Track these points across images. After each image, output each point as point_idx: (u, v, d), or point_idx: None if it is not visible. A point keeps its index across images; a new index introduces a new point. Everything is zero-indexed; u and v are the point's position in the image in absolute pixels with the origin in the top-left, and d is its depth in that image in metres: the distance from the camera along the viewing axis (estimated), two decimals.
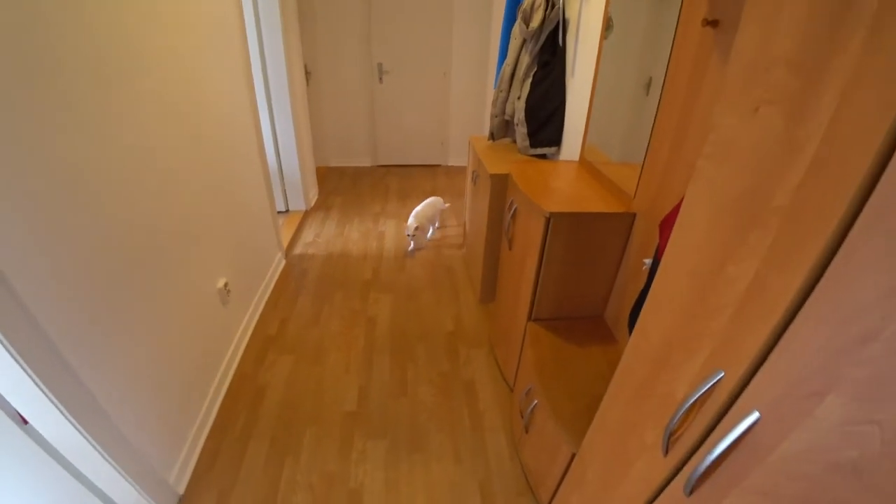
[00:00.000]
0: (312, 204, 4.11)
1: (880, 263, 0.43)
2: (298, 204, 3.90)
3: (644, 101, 1.54)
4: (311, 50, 4.36)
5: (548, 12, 2.32)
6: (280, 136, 3.53)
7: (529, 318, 1.74)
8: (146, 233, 1.47)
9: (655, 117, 1.44)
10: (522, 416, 1.64)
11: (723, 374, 0.61)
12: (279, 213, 3.78)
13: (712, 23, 1.20)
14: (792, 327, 0.51)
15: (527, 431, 1.64)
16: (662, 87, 1.41)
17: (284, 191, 3.80)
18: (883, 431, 0.42)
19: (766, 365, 0.55)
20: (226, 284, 2.10)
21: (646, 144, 1.49)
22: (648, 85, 1.53)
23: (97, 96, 1.25)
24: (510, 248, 1.93)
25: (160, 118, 1.56)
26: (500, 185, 2.24)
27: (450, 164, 5.30)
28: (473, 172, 2.73)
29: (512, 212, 1.84)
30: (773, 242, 0.55)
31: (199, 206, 1.85)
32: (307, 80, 4.21)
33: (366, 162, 5.20)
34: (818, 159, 0.50)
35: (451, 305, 2.76)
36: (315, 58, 4.48)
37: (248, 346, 2.36)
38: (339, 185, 4.62)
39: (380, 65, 4.67)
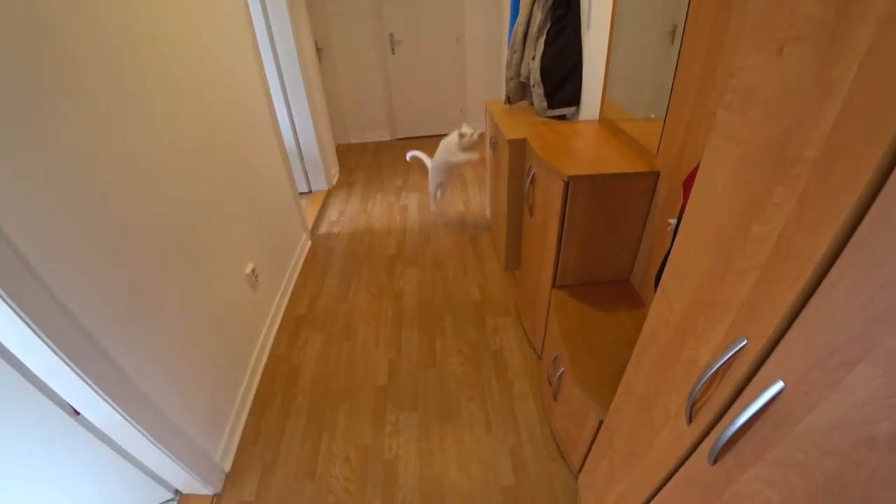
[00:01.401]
0: (334, 182, 4.12)
1: None
2: (320, 184, 3.91)
3: (668, 51, 1.44)
4: (321, 26, 4.29)
5: None
6: (296, 117, 3.51)
7: (554, 286, 1.71)
8: (173, 225, 1.50)
9: (676, 66, 1.35)
10: (550, 384, 1.62)
11: (745, 341, 0.58)
12: (302, 194, 3.80)
13: None
14: (820, 291, 0.47)
15: (556, 399, 1.63)
16: (683, 32, 1.31)
17: (305, 171, 3.80)
18: None
19: (792, 332, 0.51)
20: (253, 270, 2.13)
21: (668, 97, 1.40)
22: (673, 32, 1.43)
23: (115, 91, 1.26)
24: (531, 215, 1.88)
25: (173, 109, 1.56)
26: (519, 151, 2.17)
27: None
28: (491, 138, 2.66)
29: (531, 177, 1.78)
30: (801, 198, 0.50)
31: (220, 194, 1.87)
32: (319, 57, 4.15)
33: (385, 136, 5.16)
34: (852, 103, 0.45)
35: (476, 275, 2.75)
36: (326, 34, 4.41)
37: (280, 326, 2.42)
38: (361, 161, 4.61)
39: (391, 35, 4.56)
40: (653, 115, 1.53)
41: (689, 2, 1.27)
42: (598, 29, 2.04)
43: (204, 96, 1.79)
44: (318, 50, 4.17)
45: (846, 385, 0.43)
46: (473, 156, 2.89)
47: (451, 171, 3.14)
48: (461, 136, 2.84)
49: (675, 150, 1.38)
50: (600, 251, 1.63)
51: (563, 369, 1.48)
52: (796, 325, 0.50)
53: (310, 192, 3.91)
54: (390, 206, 3.65)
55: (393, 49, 4.64)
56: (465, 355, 2.17)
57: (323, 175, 3.86)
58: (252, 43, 2.37)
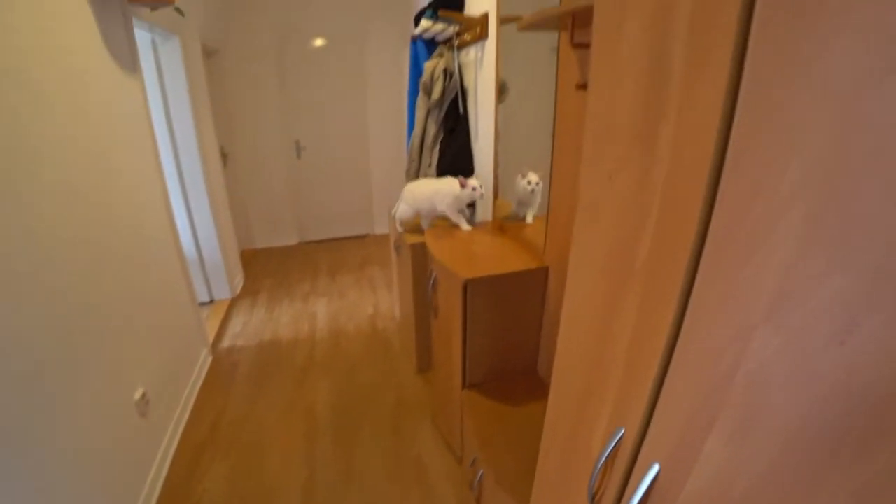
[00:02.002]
0: (238, 290, 3.95)
1: (724, 308, 0.46)
2: (223, 292, 3.73)
3: (548, 152, 1.63)
4: (226, 132, 4.34)
5: (447, 83, 2.48)
6: (198, 223, 3.41)
7: (464, 386, 1.73)
8: (48, 338, 1.34)
9: (551, 173, 1.54)
10: (472, 488, 1.58)
11: (623, 430, 0.63)
12: (202, 304, 3.59)
13: (583, 86, 1.32)
14: (668, 379, 0.54)
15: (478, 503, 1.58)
16: (553, 144, 1.52)
17: (207, 280, 3.63)
18: (757, 465, 0.44)
19: (656, 417, 0.57)
20: (143, 395, 1.93)
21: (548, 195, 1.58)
22: (552, 135, 1.63)
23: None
24: (436, 317, 1.94)
25: (60, 213, 1.46)
26: (421, 254, 2.27)
27: (377, 232, 5.33)
28: (395, 242, 2.76)
29: (432, 281, 1.86)
30: (642, 299, 0.59)
31: (108, 306, 1.72)
32: (224, 162, 4.16)
33: (293, 240, 5.12)
34: (661, 221, 0.55)
35: (391, 379, 2.69)
36: (231, 140, 4.46)
37: (176, 456, 2.16)
38: (267, 267, 4.50)
39: (297, 141, 4.73)
40: (538, 212, 1.70)
41: (554, 121, 1.49)
42: (485, 139, 2.29)
43: (97, 201, 1.70)
44: (224, 155, 4.19)
45: (704, 456, 0.49)
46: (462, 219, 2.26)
47: (430, 215, 2.38)
48: (473, 189, 2.11)
49: (559, 245, 1.53)
50: (505, 347, 1.70)
51: (482, 472, 1.46)
52: (657, 410, 0.57)
53: (211, 301, 3.70)
54: (298, 313, 3.54)
55: (299, 154, 4.78)
56: (385, 467, 2.06)
57: (226, 283, 3.70)
58: (153, 151, 2.34)
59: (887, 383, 0.34)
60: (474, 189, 2.10)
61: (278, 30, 4.36)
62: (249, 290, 3.97)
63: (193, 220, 3.39)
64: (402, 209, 2.43)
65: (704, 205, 0.48)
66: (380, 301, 3.68)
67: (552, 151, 1.54)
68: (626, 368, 0.62)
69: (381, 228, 5.29)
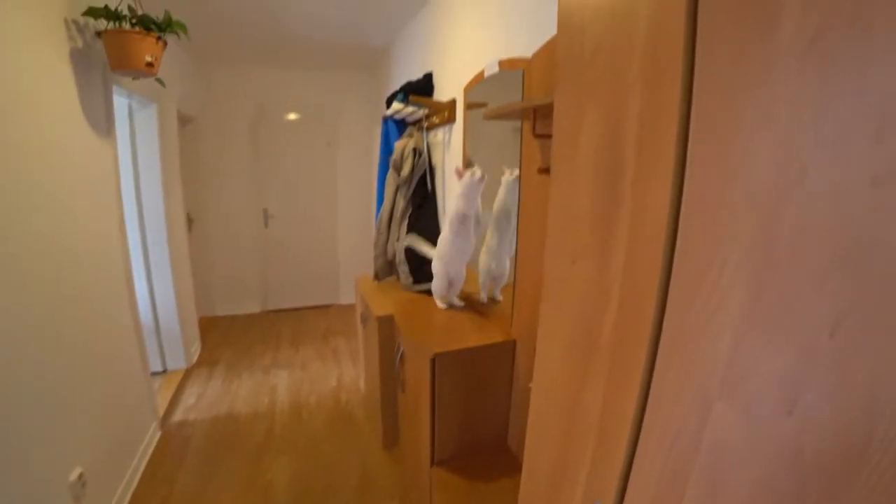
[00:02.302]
0: (194, 360, 3.78)
1: (684, 384, 0.51)
2: (178, 362, 3.56)
3: (512, 227, 1.71)
4: (194, 198, 4.31)
5: (416, 161, 2.60)
6: (157, 290, 3.30)
7: (433, 463, 1.69)
8: None
9: (517, 249, 1.62)
10: None
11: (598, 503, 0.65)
12: (154, 374, 3.40)
13: (545, 170, 1.43)
14: (639, 447, 0.58)
15: None
16: (518, 222, 1.61)
17: (161, 349, 3.47)
18: None
19: (630, 487, 0.60)
20: (80, 475, 1.77)
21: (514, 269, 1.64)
22: (517, 214, 1.71)
23: None
24: (403, 391, 1.92)
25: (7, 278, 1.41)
26: (388, 327, 2.28)
27: (342, 302, 5.28)
28: (362, 314, 2.75)
29: (400, 354, 1.86)
30: (608, 376, 0.64)
31: (47, 376, 1.61)
32: (190, 227, 4.11)
33: (256, 308, 5.00)
34: (622, 303, 0.61)
35: (355, 457, 2.58)
36: (199, 205, 4.44)
37: None
38: (227, 336, 4.34)
39: (265, 210, 4.77)
40: (505, 285, 1.76)
41: (519, 202, 1.59)
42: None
43: (51, 269, 1.65)
44: (190, 220, 4.14)
45: None
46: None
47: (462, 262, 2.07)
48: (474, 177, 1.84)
49: (526, 318, 1.58)
50: (474, 421, 1.69)
51: None
52: (631, 482, 0.60)
53: (164, 371, 3.51)
54: (258, 385, 3.40)
55: (266, 223, 4.80)
56: None
57: (182, 352, 3.53)
58: (117, 212, 2.28)
59: (835, 449, 0.38)
60: (475, 176, 1.78)
61: (254, 102, 4.53)
62: (207, 360, 3.81)
63: (153, 285, 3.30)
64: (437, 281, 2.05)
65: (659, 291, 0.54)
66: (344, 373, 3.59)
67: (517, 229, 1.63)
68: (598, 442, 0.66)
69: (346, 298, 5.25)
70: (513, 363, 1.67)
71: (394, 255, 2.71)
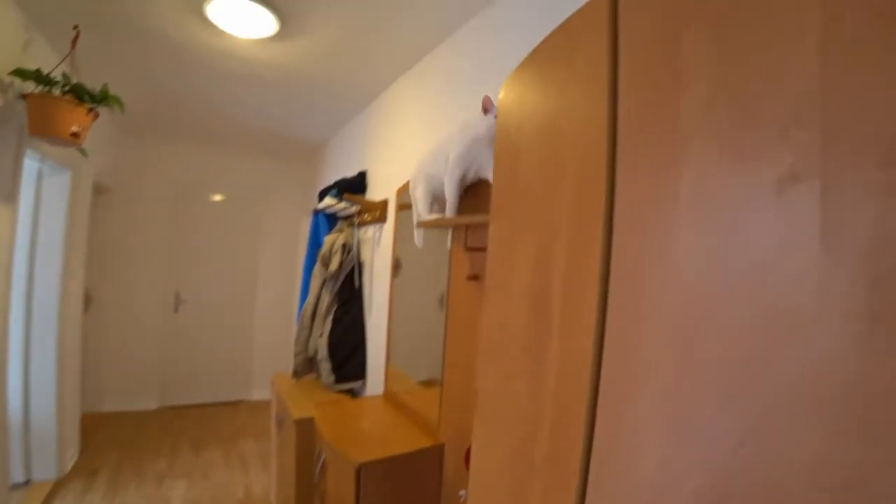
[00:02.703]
0: (69, 468, 3.21)
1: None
2: (47, 471, 2.97)
3: (440, 316, 1.71)
4: (96, 274, 3.90)
5: (344, 257, 2.60)
6: (35, 380, 2.81)
7: None
8: None
9: (444, 352, 1.62)
10: None
11: None
12: (14, 487, 2.83)
13: (474, 277, 1.49)
14: None
15: None
16: (445, 326, 1.63)
17: (27, 454, 2.90)
18: None
19: None
20: None
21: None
22: (441, 300, 1.73)
23: None
24: None
25: None
26: (307, 431, 2.12)
27: (254, 398, 4.87)
28: (277, 415, 2.55)
29: (321, 462, 1.72)
30: (544, 493, 0.63)
31: None
32: (87, 307, 3.67)
33: (152, 403, 4.43)
34: (555, 422, 0.62)
35: None
36: (100, 283, 4.01)
37: None
38: (115, 437, 3.78)
39: (177, 293, 4.40)
40: (434, 378, 1.72)
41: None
42: (378, 312, 2.36)
43: None
44: (88, 299, 3.70)
45: None
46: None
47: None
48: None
49: (454, 421, 1.54)
50: None
51: None
52: None
53: (28, 483, 2.93)
54: (148, 501, 2.95)
55: (177, 308, 4.41)
56: None
57: (54, 458, 2.97)
58: (2, 288, 2.02)
59: None
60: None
61: (178, 179, 4.35)
62: (85, 468, 3.26)
63: (30, 374, 2.83)
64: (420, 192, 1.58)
65: (588, 415, 0.57)
66: (253, 482, 3.22)
67: (445, 333, 1.65)
68: None
69: (259, 394, 4.86)
70: (440, 468, 1.60)
71: (315, 352, 2.60)
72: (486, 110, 1.32)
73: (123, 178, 4.11)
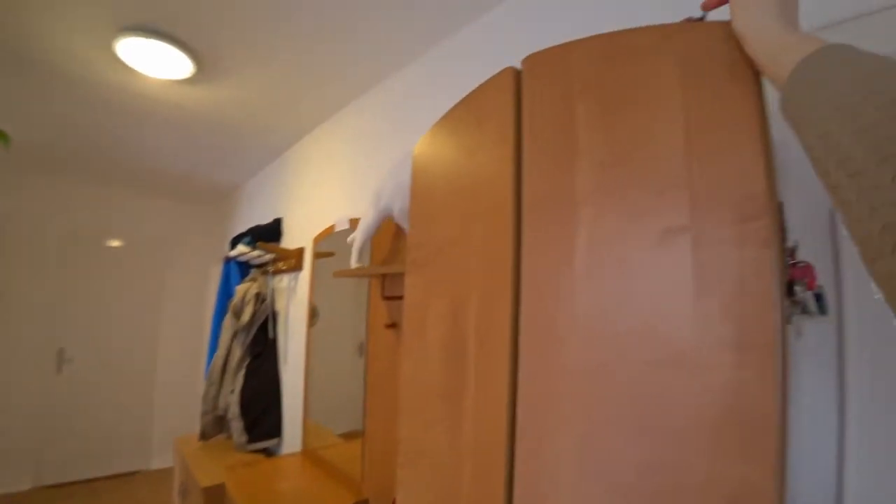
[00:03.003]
0: None
1: None
2: None
3: (359, 365, 1.68)
4: None
5: (258, 306, 2.49)
6: None
7: None
8: None
9: (364, 403, 1.59)
10: None
11: None
12: None
13: (392, 325, 1.49)
14: None
15: None
16: (365, 376, 1.60)
17: None
18: None
19: None
20: None
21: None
22: (360, 349, 1.69)
23: None
24: None
25: None
26: (217, 499, 1.95)
27: (154, 467, 4.35)
28: (182, 485, 2.32)
29: None
30: None
31: None
32: None
33: (24, 483, 3.74)
34: (475, 468, 0.64)
35: None
36: None
37: None
38: None
39: (61, 350, 3.82)
40: (355, 429, 1.66)
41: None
42: (294, 363, 2.27)
43: None
44: None
45: None
46: None
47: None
48: None
49: (377, 475, 1.50)
50: None
51: None
52: None
53: None
54: None
55: (60, 367, 3.82)
56: None
57: None
58: None
59: None
60: None
61: (70, 221, 3.89)
62: None
63: None
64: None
65: (507, 460, 0.60)
66: None
67: (364, 382, 1.62)
68: None
69: (160, 462, 4.34)
70: None
71: (226, 410, 2.42)
72: None
73: (3, 218, 3.63)
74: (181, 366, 4.46)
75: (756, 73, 0.49)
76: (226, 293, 2.87)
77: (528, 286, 0.59)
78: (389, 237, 1.50)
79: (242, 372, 2.39)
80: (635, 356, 0.51)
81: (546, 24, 1.20)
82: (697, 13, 0.58)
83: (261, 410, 2.30)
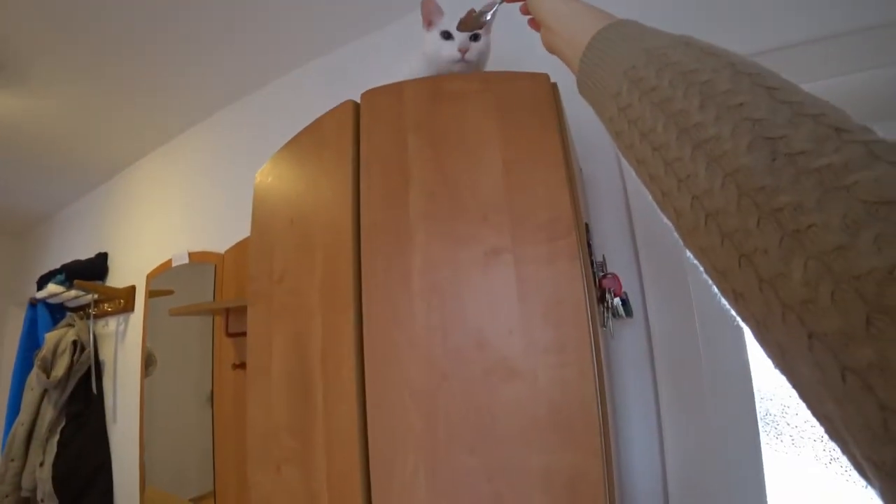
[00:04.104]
0: None
1: None
2: None
3: (208, 415, 1.50)
4: None
5: (76, 357, 2.12)
6: None
7: None
8: None
9: (213, 451, 1.43)
10: None
11: None
12: None
13: (241, 365, 1.38)
14: None
15: None
16: (213, 426, 1.45)
17: None
18: None
19: None
20: None
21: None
22: (210, 397, 1.51)
23: None
24: None
25: None
26: None
27: None
28: None
29: None
30: None
31: None
32: None
33: None
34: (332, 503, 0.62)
35: None
36: None
37: None
38: None
39: None
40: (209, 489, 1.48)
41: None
42: (126, 421, 1.96)
43: None
44: None
45: None
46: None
47: None
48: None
49: None
50: None
51: None
52: None
53: None
54: None
55: None
56: None
57: None
58: None
59: None
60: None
61: None
62: None
63: None
64: None
65: (363, 488, 0.58)
66: None
67: (213, 433, 1.47)
68: None
69: None
70: None
71: (34, 489, 1.99)
72: (428, 23, 0.81)
73: None
74: None
75: (560, 114, 0.56)
76: (31, 344, 2.39)
77: (369, 311, 0.60)
78: (235, 265, 1.40)
79: (55, 439, 2.00)
80: (470, 368, 0.54)
81: (384, 66, 1.24)
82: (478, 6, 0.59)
83: (82, 484, 1.93)
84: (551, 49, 0.44)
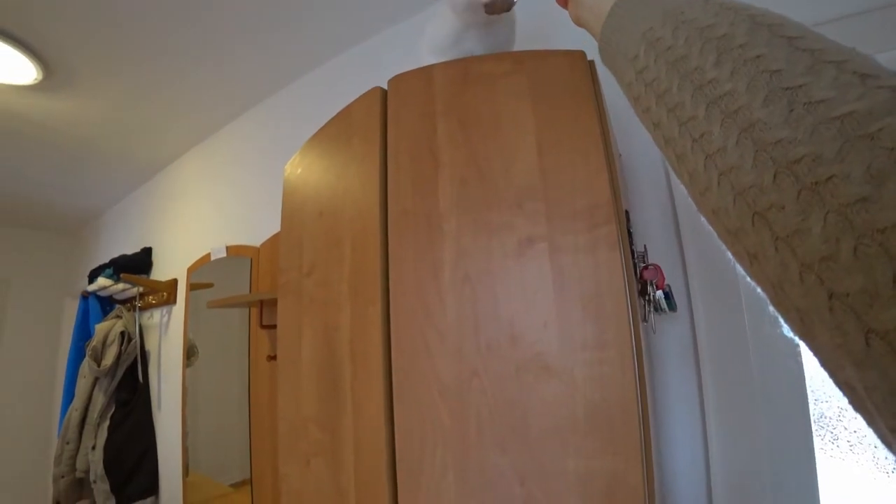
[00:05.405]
0: None
1: None
2: None
3: (247, 405, 1.53)
4: None
5: (124, 347, 2.21)
6: None
7: None
8: None
9: (250, 442, 1.46)
10: None
11: None
12: None
13: (274, 357, 1.40)
14: None
15: None
16: (249, 411, 1.48)
17: None
18: None
19: None
20: None
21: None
22: (248, 387, 1.54)
23: None
24: None
25: None
26: None
27: None
28: None
29: None
30: None
31: None
32: None
33: None
34: (359, 500, 0.60)
35: None
36: None
37: None
38: None
39: None
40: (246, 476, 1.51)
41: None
42: (170, 408, 2.03)
43: None
44: None
45: None
46: None
47: None
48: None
49: None
50: None
51: None
52: None
53: None
54: None
55: None
56: None
57: None
58: None
59: None
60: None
61: None
62: None
63: None
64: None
65: (389, 483, 0.57)
66: None
67: (249, 422, 1.50)
68: None
69: None
70: None
71: (87, 471, 2.09)
72: None
73: None
74: (24, 425, 3.76)
75: (597, 94, 0.53)
76: (83, 334, 2.51)
77: (397, 303, 0.58)
78: (270, 258, 1.42)
79: (106, 424, 2.09)
80: (503, 363, 0.52)
81: (419, 54, 1.22)
82: None
83: (131, 467, 2.02)
84: (578, 22, 0.43)
